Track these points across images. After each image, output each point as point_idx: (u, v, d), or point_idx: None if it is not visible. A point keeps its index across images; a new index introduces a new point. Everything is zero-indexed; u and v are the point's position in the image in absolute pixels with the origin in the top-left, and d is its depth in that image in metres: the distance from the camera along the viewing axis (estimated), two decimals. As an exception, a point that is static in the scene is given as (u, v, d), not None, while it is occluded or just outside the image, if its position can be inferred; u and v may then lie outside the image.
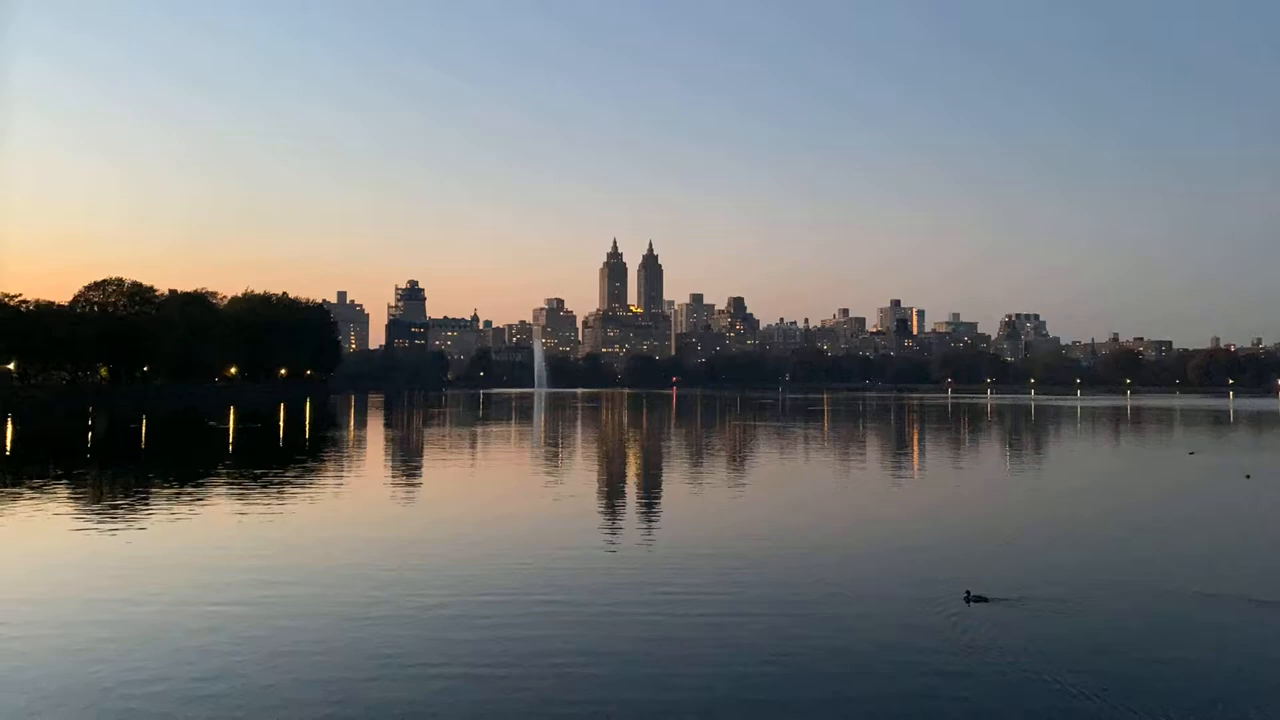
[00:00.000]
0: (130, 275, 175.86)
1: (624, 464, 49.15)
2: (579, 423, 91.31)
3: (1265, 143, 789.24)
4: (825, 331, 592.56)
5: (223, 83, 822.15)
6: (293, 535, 25.45)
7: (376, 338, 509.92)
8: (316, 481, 38.12)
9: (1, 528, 26.63)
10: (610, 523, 27.97)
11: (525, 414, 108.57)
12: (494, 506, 32.08)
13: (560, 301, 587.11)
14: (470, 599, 17.97)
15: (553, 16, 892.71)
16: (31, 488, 34.84)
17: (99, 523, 27.15)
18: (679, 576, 19.97)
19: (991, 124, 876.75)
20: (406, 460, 51.64)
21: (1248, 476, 40.51)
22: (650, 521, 28.66)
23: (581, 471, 44.08)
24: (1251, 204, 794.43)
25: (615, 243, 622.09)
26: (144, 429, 75.26)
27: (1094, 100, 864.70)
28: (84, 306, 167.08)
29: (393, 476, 43.44)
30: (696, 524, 27.90)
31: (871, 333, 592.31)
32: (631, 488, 38.48)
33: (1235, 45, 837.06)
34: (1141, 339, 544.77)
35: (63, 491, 34.38)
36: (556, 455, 53.50)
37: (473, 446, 59.48)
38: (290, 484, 36.48)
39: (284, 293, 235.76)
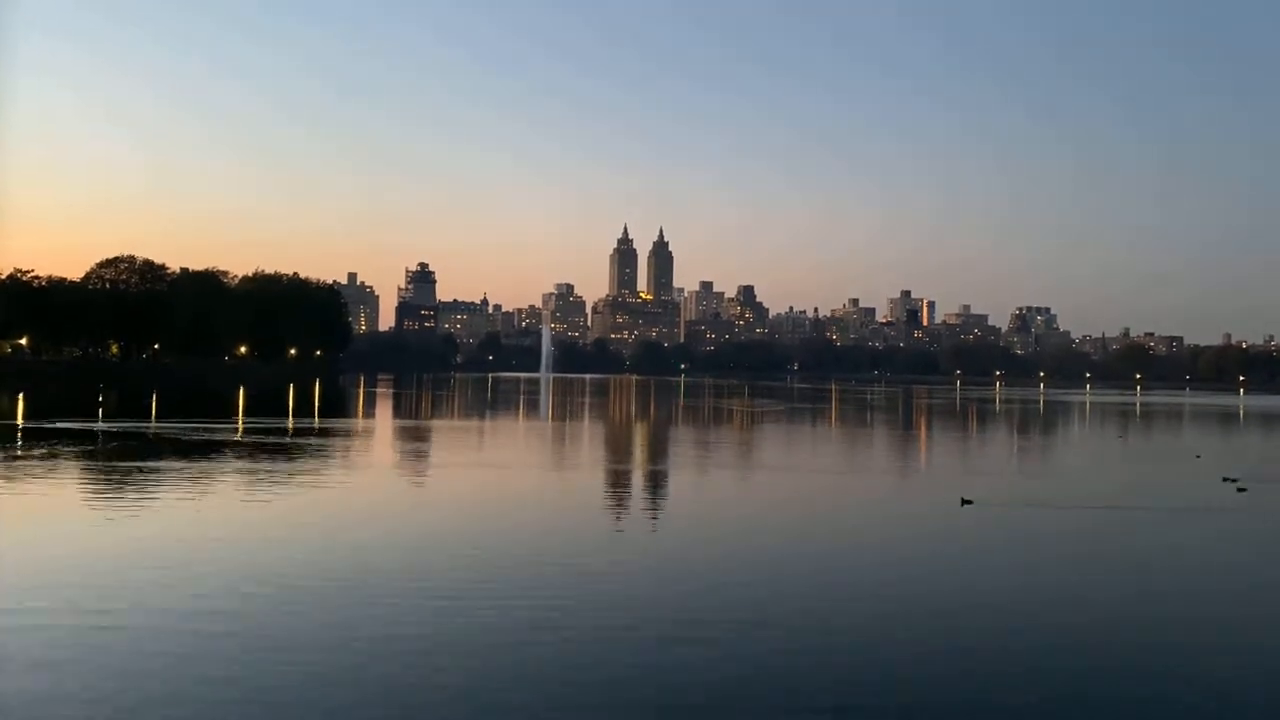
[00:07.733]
0: (142, 253, 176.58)
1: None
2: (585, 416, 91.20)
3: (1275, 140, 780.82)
4: (834, 321, 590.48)
5: (237, 61, 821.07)
6: None
7: (386, 319, 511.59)
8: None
9: None
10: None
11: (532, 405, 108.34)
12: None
13: (570, 287, 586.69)
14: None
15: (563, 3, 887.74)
16: None
17: None
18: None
19: (1006, 118, 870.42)
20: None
21: None
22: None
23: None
24: (1269, 204, 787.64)
25: (626, 229, 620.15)
26: None
27: (1112, 96, 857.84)
28: (96, 283, 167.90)
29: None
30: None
31: (881, 323, 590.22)
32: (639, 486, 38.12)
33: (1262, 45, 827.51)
34: (1152, 334, 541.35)
35: None
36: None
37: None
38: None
39: (294, 273, 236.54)
